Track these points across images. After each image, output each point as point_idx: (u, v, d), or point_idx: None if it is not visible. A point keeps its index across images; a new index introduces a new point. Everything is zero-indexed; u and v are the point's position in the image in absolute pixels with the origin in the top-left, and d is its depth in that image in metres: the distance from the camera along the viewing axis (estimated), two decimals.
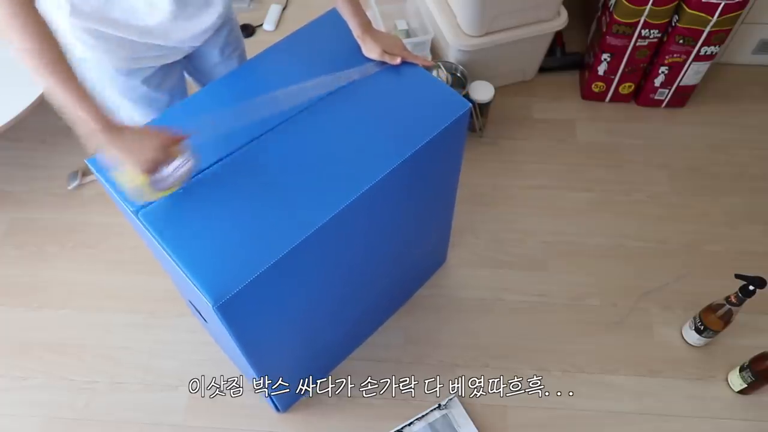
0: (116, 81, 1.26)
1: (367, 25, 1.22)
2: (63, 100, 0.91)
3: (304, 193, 1.06)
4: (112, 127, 0.95)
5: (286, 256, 1.00)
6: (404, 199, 1.27)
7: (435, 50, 2.17)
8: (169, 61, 1.29)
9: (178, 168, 1.01)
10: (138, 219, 1.03)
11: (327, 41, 1.27)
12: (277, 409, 1.55)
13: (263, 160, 1.10)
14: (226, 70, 1.42)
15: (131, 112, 1.34)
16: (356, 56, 1.23)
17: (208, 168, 1.08)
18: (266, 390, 1.41)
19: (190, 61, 1.40)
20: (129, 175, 0.99)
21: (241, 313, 1.04)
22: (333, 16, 1.29)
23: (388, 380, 1.63)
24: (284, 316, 1.21)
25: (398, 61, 1.22)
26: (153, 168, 0.98)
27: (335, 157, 1.10)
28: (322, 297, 1.29)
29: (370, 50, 1.22)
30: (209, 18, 1.21)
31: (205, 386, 1.62)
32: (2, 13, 0.85)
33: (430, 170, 1.25)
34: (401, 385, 1.62)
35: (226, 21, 1.35)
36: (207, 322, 1.27)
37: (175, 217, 1.03)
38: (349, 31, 1.24)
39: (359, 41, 1.23)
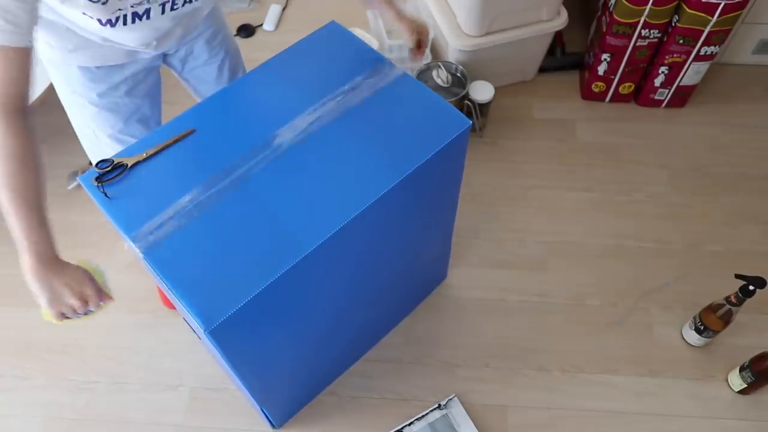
0: (80, 82, 1.25)
1: (400, 12, 1.31)
2: (9, 220, 0.93)
3: (298, 216, 1.03)
4: (44, 259, 0.95)
5: (278, 279, 0.98)
6: (402, 219, 1.24)
7: (435, 50, 2.18)
8: (140, 67, 1.29)
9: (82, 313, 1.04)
10: (132, 243, 1.02)
11: (326, 58, 1.24)
12: (273, 425, 1.54)
13: (258, 184, 1.07)
14: (204, 71, 1.43)
15: (95, 118, 1.33)
16: (355, 73, 1.21)
17: (203, 194, 1.07)
18: (260, 408, 1.42)
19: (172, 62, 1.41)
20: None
21: (234, 337, 1.03)
22: (330, 29, 1.28)
23: (389, 380, 1.63)
24: (278, 339, 1.19)
25: (420, 52, 1.34)
26: (61, 314, 1.00)
27: (331, 179, 1.08)
28: (317, 319, 1.27)
29: (405, 30, 1.30)
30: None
31: (205, 386, 1.63)
32: None
33: (429, 190, 1.23)
34: (401, 384, 1.62)
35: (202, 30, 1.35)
36: (201, 340, 1.27)
37: (169, 241, 1.02)
38: (347, 46, 1.24)
39: (395, 23, 1.31)
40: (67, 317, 1.04)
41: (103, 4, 0.97)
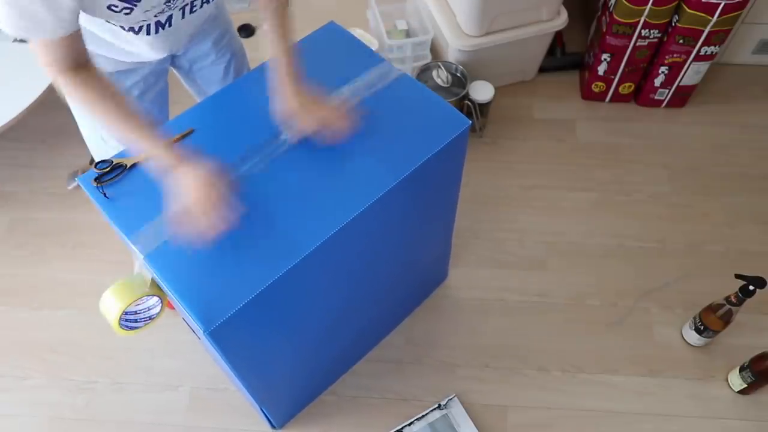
0: None
1: (302, 94, 1.09)
2: (138, 148, 1.02)
3: (297, 217, 1.04)
4: (180, 162, 0.99)
5: (277, 280, 0.99)
6: (401, 219, 1.24)
7: (435, 50, 2.17)
8: (146, 70, 1.29)
9: (147, 310, 1.07)
10: (132, 247, 1.03)
11: (325, 58, 1.24)
12: (273, 425, 1.54)
13: (257, 186, 1.07)
14: (211, 71, 1.42)
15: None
16: (354, 74, 1.20)
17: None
18: (260, 408, 1.42)
19: (179, 64, 1.40)
20: (105, 306, 1.04)
21: (233, 338, 1.03)
22: (329, 29, 1.28)
23: (389, 380, 1.63)
24: (278, 340, 1.19)
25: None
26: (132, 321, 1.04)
27: (330, 179, 1.08)
28: (317, 320, 1.27)
29: (305, 122, 1.09)
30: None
31: (205, 386, 1.63)
32: (77, 99, 0.98)
33: (428, 190, 1.23)
34: (401, 384, 1.62)
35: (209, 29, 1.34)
36: (201, 341, 1.27)
37: (168, 242, 1.01)
38: (346, 46, 1.22)
39: (292, 113, 1.09)
40: (129, 323, 1.08)
41: (126, 14, 0.98)
